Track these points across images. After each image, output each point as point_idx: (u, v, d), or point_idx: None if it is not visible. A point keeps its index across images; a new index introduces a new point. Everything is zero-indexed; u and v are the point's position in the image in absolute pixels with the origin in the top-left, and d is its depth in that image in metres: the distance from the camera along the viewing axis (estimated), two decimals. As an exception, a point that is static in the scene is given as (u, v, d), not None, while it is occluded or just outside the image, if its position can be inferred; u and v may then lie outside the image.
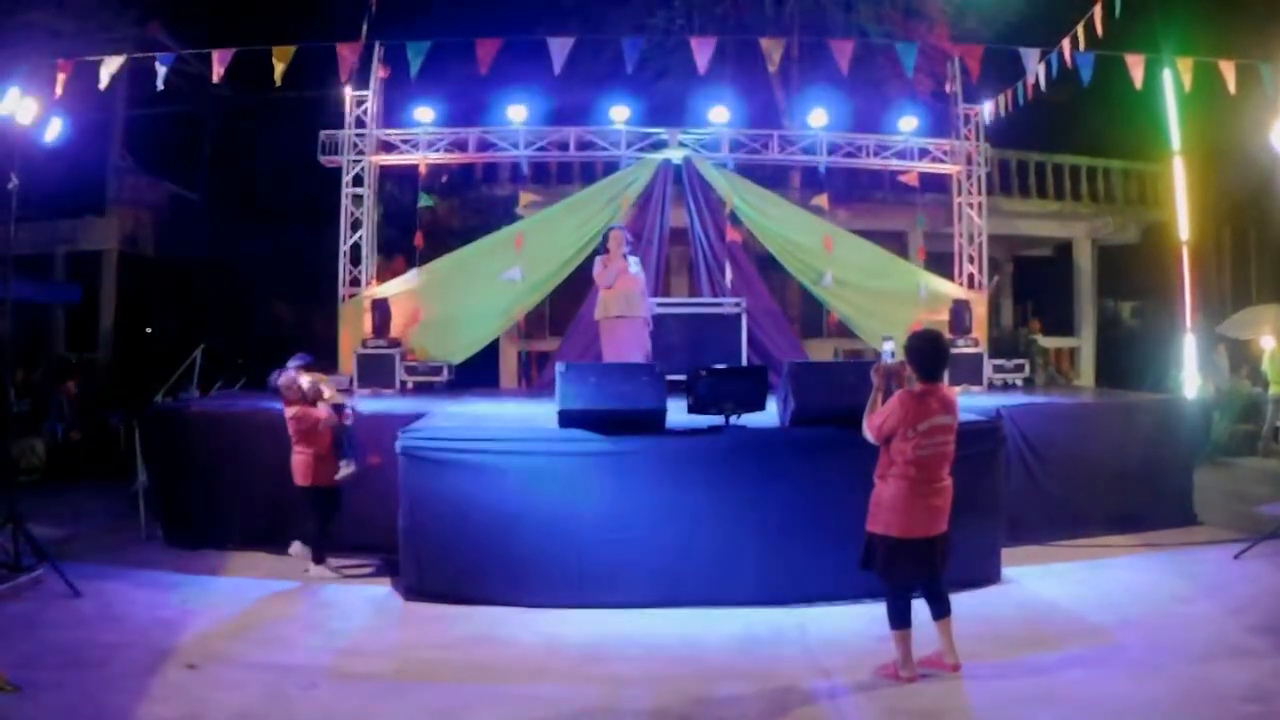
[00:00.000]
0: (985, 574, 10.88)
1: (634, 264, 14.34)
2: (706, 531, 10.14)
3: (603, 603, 10.03)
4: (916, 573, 8.10)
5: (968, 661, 8.20)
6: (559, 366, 10.95)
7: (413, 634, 9.56)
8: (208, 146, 31.67)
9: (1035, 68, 16.18)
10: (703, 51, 16.51)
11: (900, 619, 8.00)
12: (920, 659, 8.09)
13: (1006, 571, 11.09)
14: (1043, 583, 10.99)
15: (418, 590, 10.37)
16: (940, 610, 8.16)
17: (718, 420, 10.71)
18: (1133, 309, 30.82)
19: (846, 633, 9.21)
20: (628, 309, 14.08)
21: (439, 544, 10.35)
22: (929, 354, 8.16)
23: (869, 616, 9.35)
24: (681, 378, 11.18)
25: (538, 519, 10.20)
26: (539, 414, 12.09)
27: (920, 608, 8.10)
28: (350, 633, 9.53)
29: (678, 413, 10.76)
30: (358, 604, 10.40)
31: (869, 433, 8.13)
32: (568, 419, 10.53)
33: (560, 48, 15.93)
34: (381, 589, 10.92)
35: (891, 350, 8.52)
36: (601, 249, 14.50)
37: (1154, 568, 11.63)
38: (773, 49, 17.11)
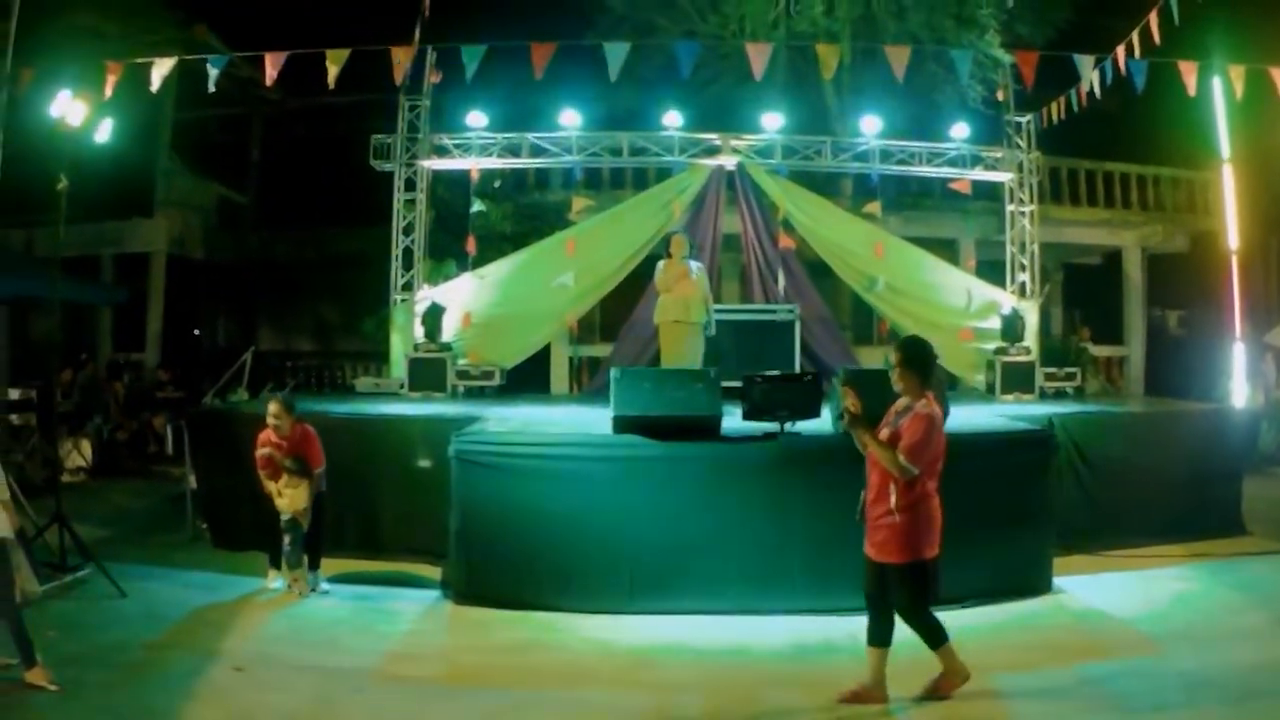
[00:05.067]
0: (1036, 584, 10.78)
1: (695, 269, 14.23)
2: (758, 539, 10.00)
3: (653, 609, 9.94)
4: (935, 593, 7.75)
5: (1019, 672, 8.28)
6: (613, 372, 10.87)
7: (462, 638, 9.48)
8: (256, 149, 31.71)
9: (1090, 75, 15.95)
10: (759, 58, 16.39)
11: (943, 632, 7.71)
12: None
13: (1057, 581, 10.96)
14: (1093, 592, 10.85)
15: (467, 594, 10.31)
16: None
17: (772, 427, 10.54)
18: (1180, 318, 30.47)
19: (896, 640, 8.91)
20: (685, 314, 13.96)
21: (490, 548, 10.28)
22: (929, 360, 7.78)
23: None
24: (734, 384, 11.04)
25: (589, 524, 10.14)
26: (592, 419, 12.09)
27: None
28: (399, 636, 9.47)
29: (732, 419, 10.66)
30: (407, 608, 10.32)
31: (911, 465, 7.41)
32: (622, 424, 10.46)
33: (616, 54, 15.81)
34: (431, 593, 10.84)
35: (848, 399, 7.83)
36: (664, 252, 14.35)
37: (1203, 578, 11.48)
38: (829, 56, 16.98)
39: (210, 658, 8.57)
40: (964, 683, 7.69)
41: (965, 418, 11.54)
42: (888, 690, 7.69)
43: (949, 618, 9.53)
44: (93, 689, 7.74)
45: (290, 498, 10.69)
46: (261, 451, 10.77)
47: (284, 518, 10.65)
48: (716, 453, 10.36)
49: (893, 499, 7.53)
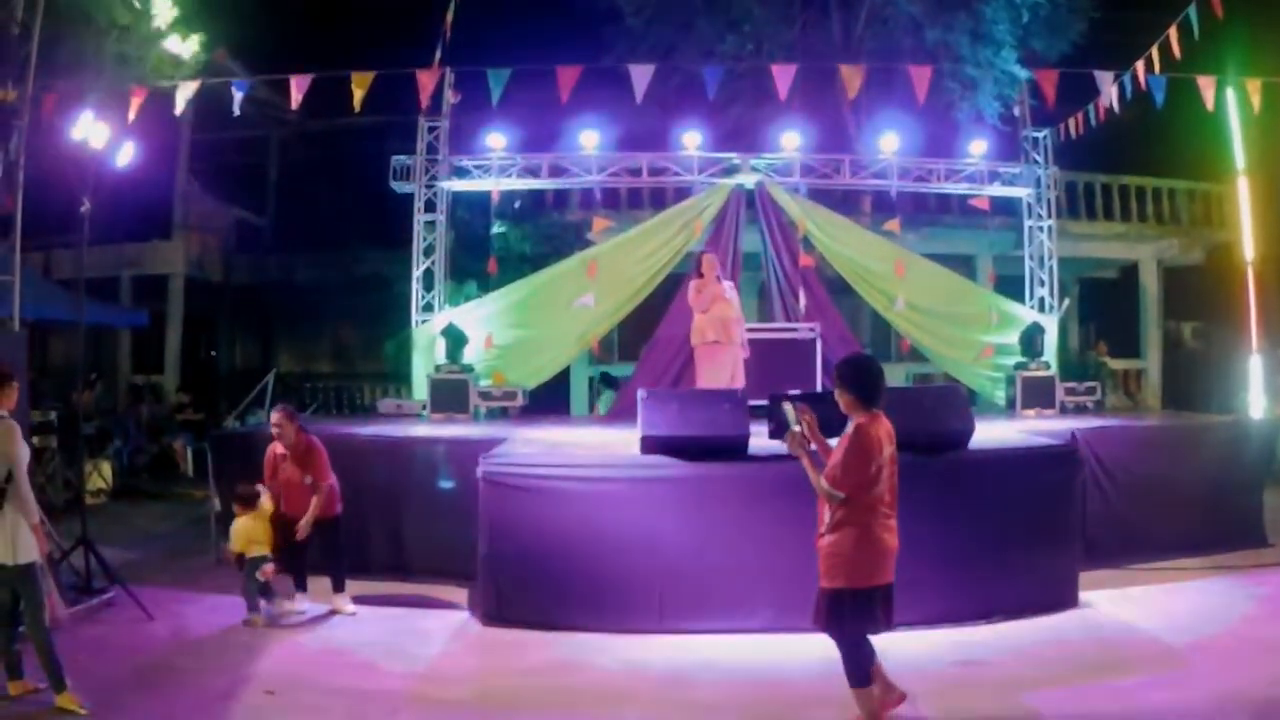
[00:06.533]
0: (1062, 599, 10.73)
1: (729, 289, 14.21)
2: (789, 557, 9.89)
3: (684, 629, 9.91)
4: (877, 624, 7.37)
5: (1051, 688, 8.28)
6: (640, 393, 10.86)
7: (492, 660, 9.43)
8: (274, 171, 31.82)
9: (1111, 91, 15.94)
10: (783, 79, 16.37)
11: (865, 676, 7.36)
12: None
13: (1082, 595, 10.92)
14: (1118, 606, 10.84)
15: (496, 616, 10.27)
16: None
17: (798, 449, 10.52)
18: (1194, 330, 30.42)
19: (925, 658, 9.08)
20: (723, 335, 13.93)
21: (518, 570, 10.24)
22: (867, 379, 7.39)
23: (950, 641, 9.55)
24: (757, 403, 11.06)
25: (618, 545, 10.10)
26: (617, 440, 12.10)
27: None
28: (429, 659, 9.41)
29: (758, 438, 10.61)
30: (436, 629, 10.27)
31: (834, 489, 7.20)
32: (650, 445, 10.44)
33: (641, 75, 15.85)
34: (460, 614, 10.82)
35: (794, 416, 7.69)
36: (694, 273, 14.32)
37: (1226, 590, 11.51)
38: (852, 76, 16.95)
39: (241, 681, 8.54)
40: None
41: (989, 434, 11.53)
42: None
43: (975, 633, 9.79)
44: (123, 713, 7.74)
45: (240, 531, 10.82)
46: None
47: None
48: (745, 472, 10.32)
49: (825, 520, 7.39)
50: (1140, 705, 7.97)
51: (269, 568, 10.67)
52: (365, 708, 8.03)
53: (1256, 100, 15.63)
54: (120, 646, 9.47)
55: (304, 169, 31.24)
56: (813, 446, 7.69)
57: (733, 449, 10.41)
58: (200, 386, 24.97)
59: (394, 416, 16.47)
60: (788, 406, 7.88)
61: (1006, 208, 20.24)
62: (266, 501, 11.04)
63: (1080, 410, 17.16)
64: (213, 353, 31.09)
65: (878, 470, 7.21)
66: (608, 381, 20.98)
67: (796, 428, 7.64)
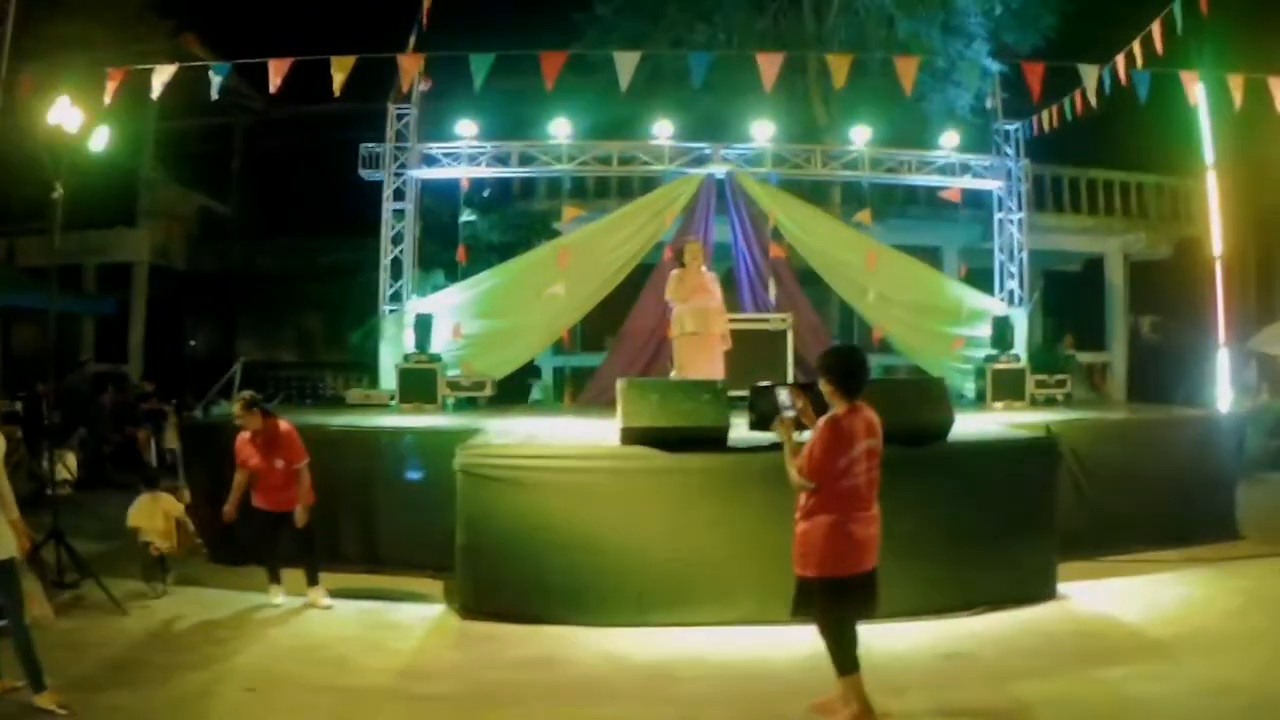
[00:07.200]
0: (1040, 591, 10.72)
1: (711, 279, 14.20)
2: (771, 548, 9.78)
3: (664, 621, 9.84)
4: (857, 612, 7.41)
5: (1037, 679, 8.34)
6: (620, 383, 10.73)
7: (473, 654, 9.32)
8: (238, 159, 31.62)
9: (1093, 84, 15.93)
10: (769, 68, 16.21)
11: (851, 663, 7.29)
12: (817, 702, 7.62)
13: (1060, 587, 10.92)
14: (1096, 598, 10.84)
15: (475, 609, 10.18)
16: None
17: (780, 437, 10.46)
18: (1151, 323, 30.56)
19: (912, 650, 9.09)
20: (703, 326, 13.90)
21: (497, 562, 10.15)
22: (847, 369, 7.41)
23: (933, 633, 9.56)
24: (738, 394, 10.97)
25: (598, 537, 10.02)
26: (593, 430, 12.04)
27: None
28: (409, 653, 9.32)
29: (736, 430, 10.52)
30: (413, 623, 10.17)
31: (801, 478, 7.29)
32: (630, 436, 10.34)
33: (626, 63, 15.71)
34: (434, 607, 10.70)
35: (788, 400, 7.76)
36: (675, 262, 14.24)
37: (1203, 582, 11.54)
38: (839, 65, 16.78)
39: (220, 678, 8.42)
40: None
41: (965, 426, 11.52)
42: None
43: (958, 625, 9.80)
44: (102, 712, 7.59)
45: (140, 509, 11.65)
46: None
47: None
48: (725, 463, 10.25)
49: (799, 507, 7.43)
50: (1129, 696, 7.97)
51: (158, 545, 11.29)
52: (350, 705, 7.92)
53: (1238, 96, 15.61)
54: (95, 642, 9.31)
55: (268, 157, 31.07)
56: (805, 433, 7.66)
57: (713, 440, 10.33)
58: (164, 376, 24.69)
59: (362, 406, 16.34)
60: (781, 391, 7.92)
61: (974, 200, 20.30)
62: (173, 501, 11.96)
63: (1050, 403, 17.21)
64: (191, 342, 30.95)
65: (849, 463, 7.20)
66: (533, 372, 21.03)
67: (789, 413, 7.71)
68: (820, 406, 7.67)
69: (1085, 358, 25.17)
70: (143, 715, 7.65)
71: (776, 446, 9.56)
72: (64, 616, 9.98)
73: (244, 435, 10.87)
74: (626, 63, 15.80)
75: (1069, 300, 28.57)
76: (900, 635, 9.31)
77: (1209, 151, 19.50)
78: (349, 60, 14.94)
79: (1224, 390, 18.97)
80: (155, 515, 11.63)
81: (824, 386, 7.43)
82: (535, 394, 21.35)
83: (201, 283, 29.38)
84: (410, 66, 15.73)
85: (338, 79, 14.96)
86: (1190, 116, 18.46)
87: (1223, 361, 19.12)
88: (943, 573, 10.16)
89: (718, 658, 9.09)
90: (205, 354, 30.40)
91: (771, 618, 9.30)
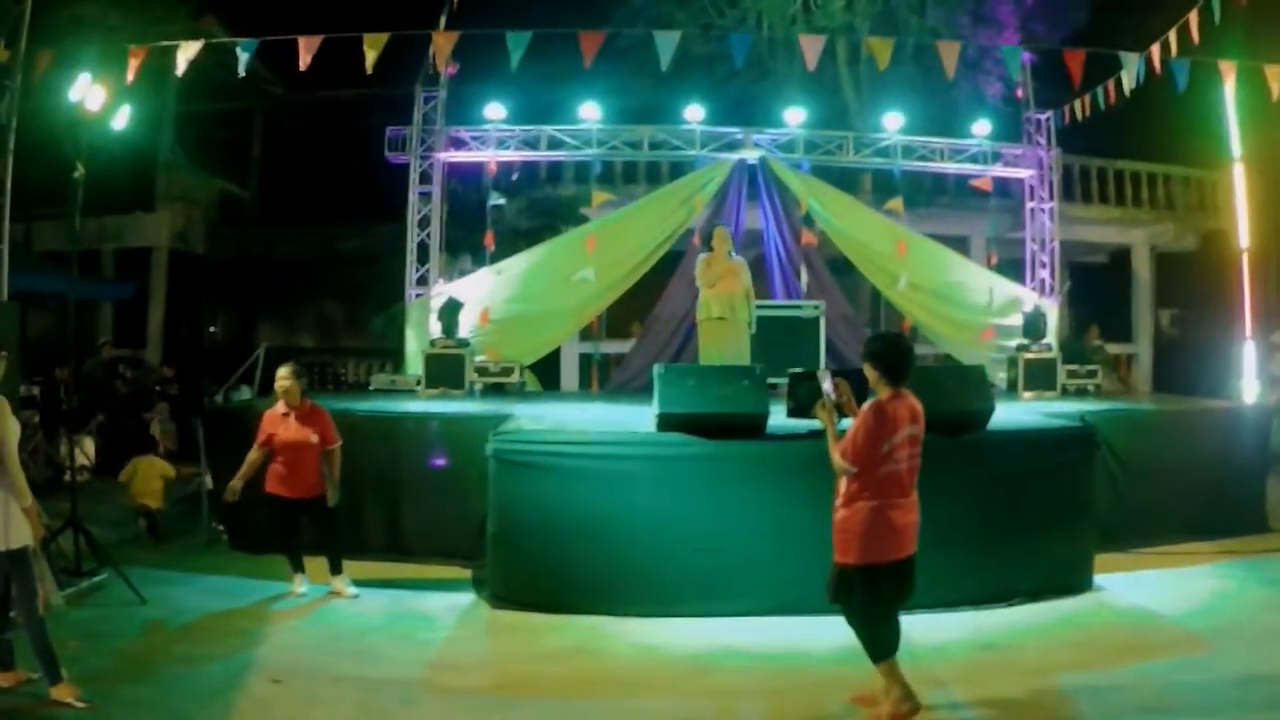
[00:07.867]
0: (1077, 582, 10.65)
1: (740, 264, 13.96)
2: (807, 538, 9.54)
3: (700, 612, 9.66)
4: (897, 599, 7.38)
5: (1078, 671, 8.26)
6: (657, 369, 10.50)
7: (505, 644, 9.18)
8: (258, 144, 31.48)
9: (1132, 73, 15.64)
10: (811, 50, 15.94)
11: (887, 649, 7.23)
12: (858, 695, 7.56)
13: (1095, 579, 10.82)
14: (1133, 590, 10.73)
15: (505, 598, 10.00)
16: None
17: (819, 424, 10.20)
18: (1172, 317, 30.36)
19: (952, 642, 9.00)
20: (729, 311, 13.75)
21: (529, 550, 9.96)
22: (894, 356, 7.38)
23: (972, 625, 9.46)
24: (775, 380, 10.88)
25: (633, 525, 9.83)
26: (627, 417, 11.87)
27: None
28: (439, 643, 9.15)
29: (775, 417, 10.30)
30: (442, 613, 9.96)
31: (845, 463, 7.19)
32: (667, 422, 10.10)
33: (667, 42, 15.40)
34: (463, 596, 10.50)
35: (830, 387, 7.60)
36: (704, 246, 14.03)
37: (1238, 575, 11.41)
38: (881, 49, 16.45)
39: (244, 669, 8.19)
40: (909, 713, 7.13)
41: (1001, 415, 11.26)
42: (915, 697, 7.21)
43: (996, 616, 9.72)
44: (123, 705, 7.35)
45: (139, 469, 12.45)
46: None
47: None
48: (763, 451, 10.04)
49: (839, 493, 7.37)
50: (1173, 687, 7.88)
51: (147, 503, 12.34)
52: (378, 697, 7.69)
53: (1276, 87, 15.32)
54: (115, 633, 9.08)
55: (288, 142, 30.93)
56: (845, 421, 7.57)
57: (751, 426, 10.10)
58: (183, 361, 24.52)
59: (388, 391, 16.09)
60: (824, 377, 7.83)
61: (1002, 190, 20.13)
62: (166, 465, 13.20)
63: (1081, 394, 17.02)
64: (211, 328, 30.82)
65: (891, 448, 7.16)
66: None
67: (832, 398, 7.63)
68: (859, 394, 7.66)
69: (1111, 349, 24.98)
70: (164, 709, 7.39)
71: (815, 434, 9.37)
72: (81, 605, 9.77)
73: (274, 411, 10.64)
74: (667, 43, 15.46)
75: (1095, 292, 28.35)
76: (938, 627, 9.23)
77: (1235, 144, 19.18)
78: (382, 37, 14.65)
79: (1249, 383, 18.69)
80: (152, 477, 12.50)
81: (869, 373, 7.38)
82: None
83: (221, 268, 29.23)
84: (444, 44, 15.43)
85: (370, 56, 14.64)
86: (1217, 109, 18.20)
87: (1249, 354, 18.84)
88: (980, 562, 10.05)
89: (756, 649, 8.90)
90: (225, 340, 30.28)
91: (809, 608, 9.07)
